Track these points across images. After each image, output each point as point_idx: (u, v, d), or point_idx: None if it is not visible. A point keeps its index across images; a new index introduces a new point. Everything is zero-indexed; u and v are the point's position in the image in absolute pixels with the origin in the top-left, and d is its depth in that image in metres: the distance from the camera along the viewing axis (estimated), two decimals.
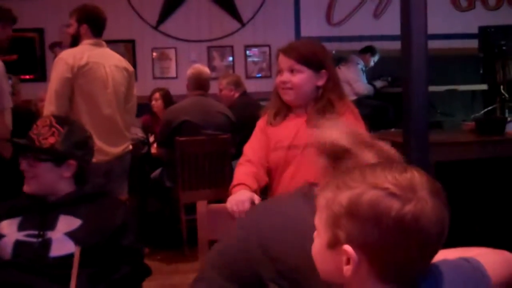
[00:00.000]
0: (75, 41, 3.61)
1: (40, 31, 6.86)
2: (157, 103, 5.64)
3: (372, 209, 0.99)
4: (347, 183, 1.04)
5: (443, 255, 1.13)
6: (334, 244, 1.04)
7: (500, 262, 1.18)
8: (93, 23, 3.59)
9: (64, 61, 3.41)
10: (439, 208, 1.01)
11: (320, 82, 2.25)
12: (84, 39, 3.58)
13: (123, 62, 3.74)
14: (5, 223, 1.98)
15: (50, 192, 2.02)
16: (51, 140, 2.00)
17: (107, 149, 3.52)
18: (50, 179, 2.01)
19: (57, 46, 6.70)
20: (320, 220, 1.08)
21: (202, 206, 1.94)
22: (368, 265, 1.01)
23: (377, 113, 6.74)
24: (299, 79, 2.23)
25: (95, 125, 3.40)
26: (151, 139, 5.26)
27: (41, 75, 6.68)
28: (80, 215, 1.96)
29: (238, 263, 1.44)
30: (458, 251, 1.20)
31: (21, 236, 1.93)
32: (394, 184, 1.00)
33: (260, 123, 2.36)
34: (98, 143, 3.42)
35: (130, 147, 3.77)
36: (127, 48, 7.08)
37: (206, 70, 4.73)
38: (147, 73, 7.16)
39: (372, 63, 7.19)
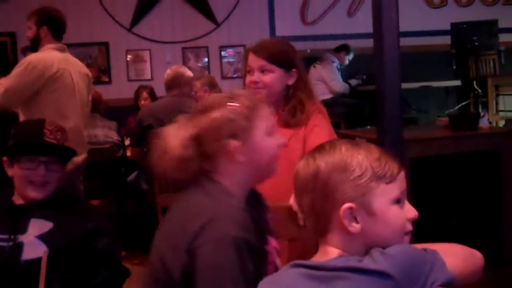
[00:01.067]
0: (34, 45, 3.50)
1: (12, 35, 6.77)
2: (146, 102, 5.61)
3: None
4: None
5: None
6: None
7: (462, 255, 1.18)
8: (53, 26, 3.48)
9: (33, 67, 3.30)
10: None
11: (291, 81, 2.24)
12: (45, 43, 3.47)
13: (84, 68, 3.69)
14: None
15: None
16: (67, 143, 2.11)
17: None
18: (58, 182, 2.04)
19: (29, 49, 6.63)
20: None
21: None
22: None
23: (352, 111, 6.79)
24: (271, 78, 2.21)
25: None
26: (127, 142, 5.21)
27: None
28: (51, 218, 1.94)
29: None
30: (427, 244, 1.21)
31: None
32: None
33: None
34: None
35: (85, 155, 3.65)
36: (101, 50, 7.03)
37: (184, 70, 4.69)
38: (121, 75, 7.12)
39: (347, 62, 7.24)
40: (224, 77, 7.33)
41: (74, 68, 3.51)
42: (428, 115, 6.88)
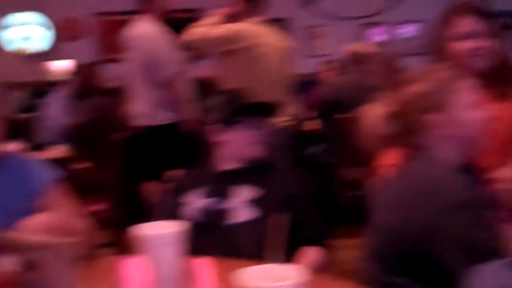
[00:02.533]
0: (238, 18, 3.70)
1: (199, 11, 7.16)
2: (327, 74, 5.72)
3: None
4: None
5: None
6: None
7: None
8: (257, 1, 3.67)
9: (235, 32, 3.53)
10: None
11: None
12: (248, 17, 3.67)
13: (283, 41, 3.82)
14: (190, 192, 2.03)
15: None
16: None
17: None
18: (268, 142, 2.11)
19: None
20: None
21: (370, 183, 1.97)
22: None
23: None
24: (493, 43, 1.99)
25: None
26: (308, 115, 5.34)
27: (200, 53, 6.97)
28: (259, 184, 1.97)
29: None
30: None
31: (204, 204, 1.98)
32: None
33: None
34: None
35: (291, 122, 3.84)
36: (280, 26, 7.18)
37: (365, 47, 4.70)
38: (300, 52, 7.25)
39: None
40: (401, 54, 7.19)
41: (271, 41, 3.67)
42: None
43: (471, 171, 1.55)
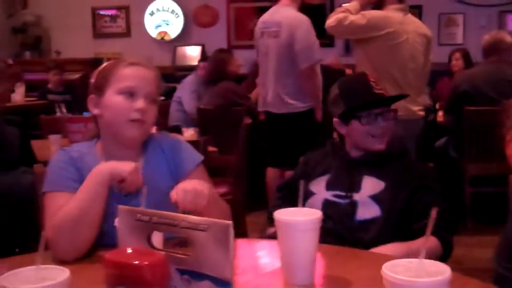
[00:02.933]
0: (379, 5, 3.68)
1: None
2: (457, 63, 5.52)
3: None
4: None
5: None
6: None
7: None
8: None
9: (372, 19, 3.50)
10: None
11: None
12: (389, 3, 3.62)
13: (424, 29, 3.72)
14: (315, 180, 2.03)
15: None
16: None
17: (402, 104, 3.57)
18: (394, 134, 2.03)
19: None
20: None
21: None
22: None
23: None
24: None
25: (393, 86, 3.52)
26: (437, 106, 5.17)
27: (330, 41, 6.95)
28: (383, 177, 1.93)
29: None
30: None
31: (329, 195, 1.97)
32: None
33: None
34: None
35: (422, 112, 3.74)
36: (414, 13, 6.98)
37: (503, 36, 4.46)
38: (433, 39, 6.99)
39: None
40: None
41: (412, 27, 3.60)
42: None
43: None
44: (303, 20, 3.92)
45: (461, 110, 4.28)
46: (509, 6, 6.85)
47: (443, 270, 0.97)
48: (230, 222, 1.00)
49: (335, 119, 2.07)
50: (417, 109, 3.68)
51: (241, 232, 3.28)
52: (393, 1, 3.60)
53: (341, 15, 3.54)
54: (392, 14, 3.56)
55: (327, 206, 1.93)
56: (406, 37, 3.54)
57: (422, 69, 3.69)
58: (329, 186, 1.99)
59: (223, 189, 3.46)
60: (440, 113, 4.84)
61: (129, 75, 1.66)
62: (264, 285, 1.37)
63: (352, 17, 3.53)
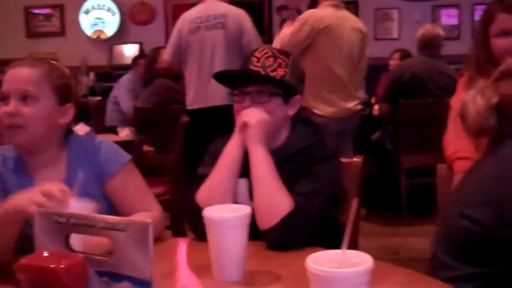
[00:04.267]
0: (314, 2, 3.72)
1: None
2: (394, 63, 5.63)
3: None
4: None
5: None
6: None
7: None
8: None
9: (305, 21, 3.52)
10: None
11: None
12: (323, 1, 3.66)
13: (359, 24, 3.78)
14: None
15: (271, 138, 1.70)
16: (281, 71, 1.71)
17: (339, 103, 3.63)
18: (278, 119, 1.71)
19: (284, 9, 6.96)
20: None
21: (442, 170, 1.90)
22: None
23: None
24: None
25: (327, 82, 3.58)
26: (373, 100, 5.26)
27: (268, 38, 6.99)
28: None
29: None
30: None
31: None
32: None
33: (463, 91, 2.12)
34: (331, 97, 3.58)
35: (360, 107, 3.80)
36: (350, 9, 7.08)
37: (436, 30, 4.58)
38: (368, 34, 7.10)
39: None
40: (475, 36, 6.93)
41: (347, 24, 3.64)
42: None
43: None
44: (245, 12, 3.92)
45: (397, 102, 4.37)
46: (442, 1, 7.04)
47: (365, 260, 0.97)
48: (149, 221, 0.98)
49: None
50: (353, 105, 3.74)
51: (180, 232, 3.23)
52: None
53: (277, 39, 3.55)
54: (325, 10, 3.60)
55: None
56: (342, 32, 3.58)
57: (359, 64, 3.76)
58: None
59: (160, 189, 3.41)
60: (376, 107, 4.92)
61: (5, 79, 1.58)
62: (194, 284, 1.35)
63: (286, 31, 3.58)
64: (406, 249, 3.68)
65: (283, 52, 1.78)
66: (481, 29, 2.12)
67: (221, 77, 1.80)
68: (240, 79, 1.74)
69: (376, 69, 5.89)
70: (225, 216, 1.29)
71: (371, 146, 4.99)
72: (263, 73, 1.70)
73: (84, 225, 1.02)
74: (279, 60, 1.72)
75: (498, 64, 1.64)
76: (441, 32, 4.57)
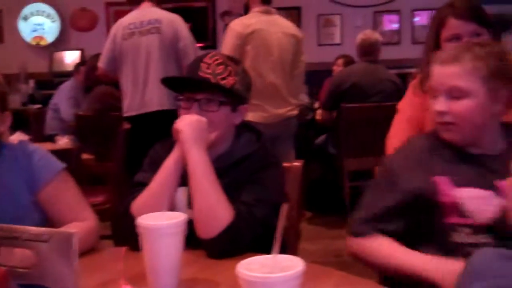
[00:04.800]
0: (246, 10, 3.77)
1: (212, 1, 7.15)
2: (338, 69, 5.68)
3: None
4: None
5: None
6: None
7: None
8: None
9: (232, 29, 3.57)
10: None
11: None
12: (253, 7, 3.70)
13: (292, 29, 3.80)
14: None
15: (214, 147, 1.66)
16: (231, 80, 1.68)
17: (270, 109, 3.64)
18: (225, 128, 1.69)
19: (227, 15, 6.97)
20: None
21: None
22: None
23: None
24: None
25: (258, 89, 3.56)
26: (316, 105, 5.31)
27: (212, 43, 6.98)
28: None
29: None
30: None
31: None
32: None
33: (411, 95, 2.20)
34: (261, 103, 3.58)
35: (295, 112, 3.83)
36: (293, 15, 7.17)
37: (376, 36, 4.66)
38: (312, 40, 7.20)
39: None
40: (415, 42, 7.10)
41: (277, 29, 3.66)
42: None
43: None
44: (180, 18, 3.89)
45: (339, 107, 4.42)
46: (383, 6, 7.18)
47: (296, 264, 0.97)
48: (74, 231, 0.95)
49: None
50: (286, 110, 3.75)
51: (119, 240, 3.17)
52: (257, 4, 3.68)
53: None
54: (254, 16, 3.63)
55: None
56: (271, 37, 3.61)
57: (294, 69, 3.78)
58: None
59: (101, 198, 3.35)
60: (319, 111, 4.97)
61: None
62: None
63: (223, 49, 3.57)
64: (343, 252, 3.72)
65: (233, 59, 1.76)
66: (432, 33, 2.13)
67: (168, 81, 1.77)
68: (188, 85, 1.70)
69: (319, 74, 5.98)
70: (160, 224, 1.26)
71: (315, 151, 5.03)
72: (213, 81, 1.66)
73: (7, 238, 0.99)
74: (229, 67, 1.69)
75: None
76: (379, 37, 4.65)
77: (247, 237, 1.53)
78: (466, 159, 1.54)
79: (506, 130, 1.59)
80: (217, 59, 1.69)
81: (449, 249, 1.48)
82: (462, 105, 1.50)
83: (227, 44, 3.58)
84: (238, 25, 3.59)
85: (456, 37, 2.06)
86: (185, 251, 1.35)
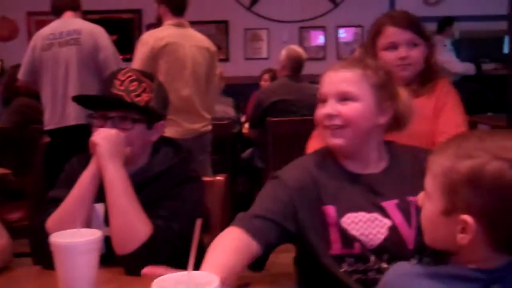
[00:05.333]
0: (159, 23, 3.69)
1: (138, 12, 7.06)
2: (265, 84, 5.70)
3: (496, 181, 1.00)
4: (468, 151, 1.04)
5: None
6: (450, 212, 1.06)
7: None
8: (171, 3, 3.62)
9: (145, 42, 3.50)
10: None
11: (427, 54, 2.12)
12: (165, 20, 3.63)
13: (205, 42, 3.74)
14: None
15: (130, 163, 1.64)
16: (145, 97, 1.65)
17: (184, 124, 3.58)
18: (141, 146, 1.67)
19: (154, 27, 6.90)
20: (434, 186, 1.09)
21: None
22: (484, 235, 1.03)
23: (475, 96, 6.59)
24: (419, 52, 2.09)
25: (172, 104, 3.50)
26: (243, 118, 5.31)
27: None
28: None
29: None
30: None
31: None
32: None
33: None
34: (174, 118, 3.49)
35: (210, 127, 3.77)
36: (220, 28, 7.18)
37: (299, 51, 4.70)
38: (239, 54, 7.23)
39: (456, 34, 7.00)
40: (340, 57, 7.26)
41: (190, 42, 3.61)
42: None
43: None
44: (102, 29, 3.80)
45: (265, 121, 4.43)
46: (309, 22, 7.29)
47: (211, 281, 0.96)
48: None
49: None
50: (201, 126, 3.71)
51: (38, 258, 3.05)
52: (169, 16, 3.62)
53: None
54: (167, 29, 3.58)
55: None
56: (184, 51, 3.55)
57: (207, 83, 3.74)
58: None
59: (18, 214, 3.21)
60: (246, 125, 4.97)
61: None
62: None
63: (135, 61, 3.51)
64: (277, 265, 3.70)
65: (147, 75, 1.73)
66: (369, 42, 2.15)
67: (81, 99, 1.72)
68: (101, 103, 1.67)
69: (247, 87, 6.01)
70: (74, 242, 1.22)
71: (242, 165, 5.02)
72: (127, 99, 1.63)
73: None
74: (143, 84, 1.66)
75: None
76: (303, 52, 4.70)
77: (165, 252, 1.51)
78: (351, 179, 1.54)
79: (388, 148, 1.61)
80: (130, 76, 1.66)
81: (339, 279, 1.46)
82: (350, 108, 1.50)
83: (139, 57, 3.49)
84: (150, 38, 3.51)
85: (393, 46, 2.09)
86: (102, 269, 1.30)
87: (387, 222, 1.47)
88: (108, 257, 1.50)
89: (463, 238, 1.04)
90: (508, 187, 1.00)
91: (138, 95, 1.64)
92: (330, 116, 1.51)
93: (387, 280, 1.12)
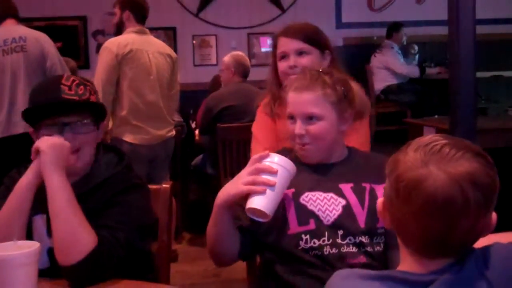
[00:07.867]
0: (119, 29, 3.70)
1: (83, 19, 6.94)
2: (214, 83, 5.66)
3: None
4: None
5: (493, 239, 1.13)
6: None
7: None
8: (135, 10, 3.67)
9: (108, 50, 3.50)
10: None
11: (325, 64, 2.15)
12: (128, 27, 3.66)
13: (167, 49, 3.80)
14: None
15: (80, 170, 1.66)
16: (93, 98, 1.69)
17: (151, 131, 3.62)
18: (93, 148, 1.70)
19: (100, 34, 6.80)
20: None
21: None
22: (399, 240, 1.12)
23: (421, 98, 6.75)
24: (308, 60, 2.12)
25: (139, 110, 3.56)
26: (193, 125, 5.28)
27: (85, 63, 6.77)
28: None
29: None
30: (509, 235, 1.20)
31: None
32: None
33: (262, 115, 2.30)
34: (142, 125, 3.56)
35: (173, 132, 3.83)
36: (168, 35, 7.12)
37: (243, 56, 4.73)
38: (187, 60, 7.19)
39: (404, 39, 7.16)
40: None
41: (153, 48, 3.65)
42: (498, 105, 6.66)
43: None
44: (47, 36, 3.73)
45: (215, 127, 4.41)
46: (258, 28, 7.31)
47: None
48: None
49: (30, 130, 1.73)
50: (166, 131, 3.75)
51: None
52: (133, 24, 3.66)
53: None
54: (129, 36, 3.59)
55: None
56: (147, 57, 3.58)
57: (170, 89, 3.78)
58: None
59: None
60: (197, 132, 4.94)
61: None
62: None
63: (99, 69, 3.49)
64: (228, 271, 3.70)
65: (86, 79, 1.76)
66: (272, 54, 2.24)
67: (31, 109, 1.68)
68: (53, 110, 1.64)
69: (196, 94, 5.97)
70: (11, 255, 1.18)
71: (192, 172, 4.99)
72: (82, 101, 1.65)
73: None
74: (88, 87, 1.69)
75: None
76: (246, 58, 4.73)
77: (111, 261, 1.48)
78: (312, 167, 1.72)
79: (348, 147, 1.82)
80: (74, 80, 1.68)
81: (298, 256, 1.58)
82: (317, 127, 1.67)
83: (103, 65, 3.48)
84: (113, 45, 3.51)
85: (283, 55, 2.16)
86: (45, 283, 1.27)
87: (342, 201, 1.63)
88: (53, 270, 1.46)
89: None
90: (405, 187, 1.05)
91: (88, 98, 1.67)
92: (300, 136, 1.69)
93: (331, 282, 1.13)
